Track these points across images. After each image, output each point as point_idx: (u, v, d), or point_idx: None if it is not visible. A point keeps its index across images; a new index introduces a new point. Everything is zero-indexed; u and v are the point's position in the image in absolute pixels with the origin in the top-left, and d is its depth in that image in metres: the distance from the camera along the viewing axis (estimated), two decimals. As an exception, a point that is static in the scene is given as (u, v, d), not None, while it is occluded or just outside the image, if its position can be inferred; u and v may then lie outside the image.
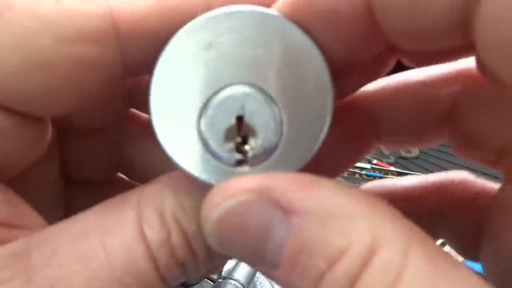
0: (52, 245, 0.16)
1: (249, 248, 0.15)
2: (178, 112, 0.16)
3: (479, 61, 0.15)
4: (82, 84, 0.16)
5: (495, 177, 0.24)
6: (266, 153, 0.16)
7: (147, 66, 0.16)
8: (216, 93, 0.16)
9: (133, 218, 0.16)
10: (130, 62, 0.17)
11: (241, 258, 0.15)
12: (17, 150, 0.17)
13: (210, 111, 0.16)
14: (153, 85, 0.16)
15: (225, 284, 0.53)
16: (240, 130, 0.16)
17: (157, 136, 0.16)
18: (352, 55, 0.17)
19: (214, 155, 0.16)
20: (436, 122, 0.22)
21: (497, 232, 0.19)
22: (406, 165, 0.71)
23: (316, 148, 0.16)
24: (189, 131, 0.16)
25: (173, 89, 0.16)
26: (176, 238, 0.16)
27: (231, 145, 0.16)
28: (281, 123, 0.16)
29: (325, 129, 0.16)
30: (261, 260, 0.14)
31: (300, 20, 0.16)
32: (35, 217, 0.17)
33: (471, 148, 0.22)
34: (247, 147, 0.16)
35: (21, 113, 0.16)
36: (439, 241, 0.26)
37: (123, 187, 0.26)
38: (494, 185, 0.22)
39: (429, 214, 0.23)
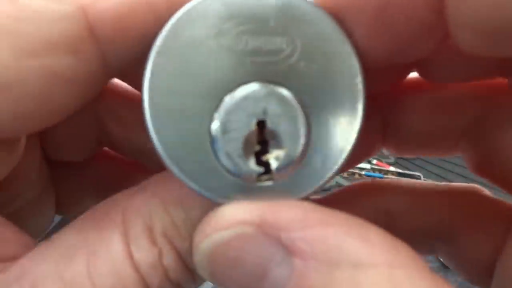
0: (32, 277, 0.14)
1: (244, 286, 0.13)
2: (182, 115, 0.13)
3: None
4: (57, 101, 0.14)
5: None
6: (291, 165, 0.13)
7: (136, 65, 0.13)
8: (230, 92, 0.13)
9: (119, 236, 0.14)
10: (113, 65, 0.14)
11: None
12: None
13: (224, 115, 0.13)
14: (147, 84, 0.13)
15: None
16: (261, 138, 0.13)
17: (157, 146, 0.13)
18: (401, 54, 0.14)
19: (229, 168, 0.13)
20: (454, 133, 0.20)
21: None
22: (406, 166, 0.71)
23: (344, 158, 0.13)
24: (198, 139, 0.13)
25: (175, 89, 0.13)
26: (168, 258, 0.14)
27: (250, 156, 0.13)
28: (309, 129, 0.13)
29: (355, 136, 0.13)
30: None
31: (351, 4, 0.13)
32: (18, 240, 0.15)
33: (490, 167, 0.20)
34: (269, 158, 0.13)
35: None
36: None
37: (109, 162, 0.24)
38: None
39: (436, 227, 0.21)
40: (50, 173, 0.21)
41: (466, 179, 0.67)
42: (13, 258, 0.14)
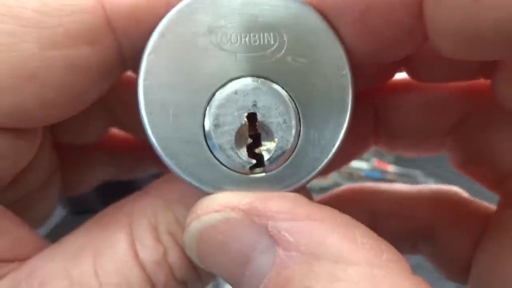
0: (40, 275, 0.14)
1: (228, 270, 0.13)
2: (176, 111, 0.13)
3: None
4: (77, 90, 0.14)
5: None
6: (283, 155, 0.13)
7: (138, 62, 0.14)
8: (221, 87, 0.13)
9: (125, 236, 0.15)
10: (128, 58, 0.15)
11: (222, 278, 0.14)
12: (8, 165, 0.15)
13: (215, 109, 0.13)
14: (142, 83, 0.13)
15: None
16: (253, 130, 0.13)
17: (152, 141, 0.13)
18: (384, 54, 0.15)
19: (222, 160, 0.13)
20: (441, 131, 0.21)
21: (490, 257, 0.19)
22: (405, 165, 0.71)
23: (335, 149, 0.14)
24: (192, 133, 0.13)
25: (168, 84, 0.13)
26: (173, 255, 0.15)
27: (242, 147, 0.13)
28: (299, 120, 0.13)
29: (345, 126, 0.14)
30: (238, 285, 0.13)
31: (335, 5, 0.13)
32: (32, 242, 0.16)
33: (473, 165, 0.21)
34: (261, 150, 0.14)
35: (13, 129, 0.14)
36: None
37: (116, 142, 0.25)
38: (488, 206, 0.22)
39: (418, 227, 0.22)
40: (57, 156, 0.21)
41: (466, 177, 0.67)
42: (26, 257, 0.15)
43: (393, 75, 0.20)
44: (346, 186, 0.24)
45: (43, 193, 0.20)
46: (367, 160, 0.70)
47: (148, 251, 0.15)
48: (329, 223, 0.12)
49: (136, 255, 0.14)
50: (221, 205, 0.13)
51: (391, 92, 0.21)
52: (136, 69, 0.18)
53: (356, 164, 0.68)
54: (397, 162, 0.70)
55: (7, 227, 0.15)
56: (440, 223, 0.22)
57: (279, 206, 0.12)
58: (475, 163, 0.20)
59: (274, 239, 0.12)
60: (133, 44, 0.14)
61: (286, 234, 0.12)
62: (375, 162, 0.70)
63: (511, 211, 0.18)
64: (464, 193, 0.22)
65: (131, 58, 0.15)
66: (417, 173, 0.67)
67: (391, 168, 0.68)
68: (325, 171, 0.20)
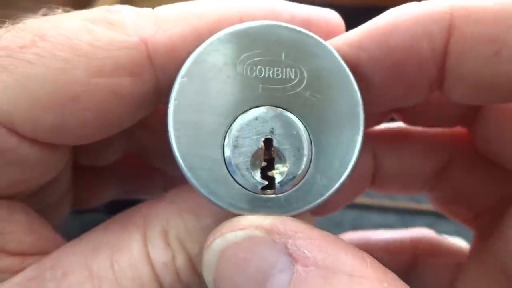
0: (63, 266, 0.15)
1: None
2: (200, 130, 0.14)
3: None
4: (115, 115, 0.16)
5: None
6: (294, 180, 0.15)
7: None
8: (243, 113, 0.15)
9: (139, 237, 0.16)
10: (163, 89, 0.16)
11: None
12: (39, 175, 0.16)
13: (236, 132, 0.14)
14: (173, 102, 0.14)
15: None
16: (268, 154, 0.15)
17: (176, 155, 0.14)
18: (405, 99, 0.16)
19: (237, 179, 0.15)
20: (426, 175, 0.23)
21: (470, 283, 0.20)
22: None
23: (344, 177, 0.15)
24: (212, 152, 0.14)
25: (196, 106, 0.14)
26: (180, 260, 0.16)
27: (257, 169, 0.15)
28: (311, 149, 0.15)
29: (355, 158, 0.15)
30: None
31: (365, 52, 0.15)
32: (53, 239, 0.17)
33: (451, 205, 0.23)
34: (274, 173, 0.15)
35: (48, 144, 0.16)
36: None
37: (131, 165, 0.26)
38: (462, 244, 0.23)
39: (405, 267, 0.25)
40: (73, 176, 0.23)
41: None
42: (47, 252, 0.16)
43: (386, 119, 0.21)
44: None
45: (57, 208, 0.22)
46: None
47: (158, 253, 0.16)
48: (341, 244, 0.13)
49: (148, 255, 0.16)
50: (245, 223, 0.14)
51: (390, 137, 0.23)
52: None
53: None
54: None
55: (34, 225, 0.17)
56: (421, 261, 0.24)
57: (297, 227, 0.13)
58: (453, 203, 0.23)
59: (292, 257, 0.13)
60: (168, 78, 0.16)
61: (305, 251, 0.13)
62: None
63: (483, 243, 0.20)
64: (435, 234, 0.25)
65: (166, 91, 0.16)
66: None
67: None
68: (322, 212, 0.21)
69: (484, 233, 0.21)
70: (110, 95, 0.15)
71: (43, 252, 0.17)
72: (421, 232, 0.26)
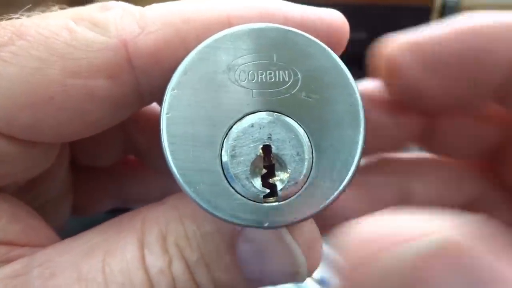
0: (52, 265, 0.15)
1: None
2: (195, 142, 0.14)
3: None
4: (91, 117, 0.15)
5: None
6: (296, 186, 0.14)
7: (162, 97, 0.15)
8: (238, 121, 0.14)
9: (135, 241, 0.15)
10: (146, 94, 0.16)
11: None
12: (22, 169, 0.17)
13: (233, 141, 0.14)
14: (165, 116, 0.14)
15: None
16: (267, 161, 0.14)
17: (173, 170, 0.14)
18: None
19: (237, 188, 0.14)
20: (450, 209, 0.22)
21: None
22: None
23: (348, 179, 0.14)
24: (210, 163, 0.14)
25: (189, 118, 0.14)
26: (177, 267, 0.15)
27: (257, 177, 0.14)
28: (312, 151, 0.14)
29: (357, 159, 0.14)
30: None
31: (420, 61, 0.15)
32: (44, 232, 0.17)
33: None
34: (275, 180, 0.14)
35: (25, 141, 0.15)
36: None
37: (130, 169, 0.26)
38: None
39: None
40: (72, 177, 0.22)
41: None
42: (39, 246, 0.16)
43: (399, 146, 0.21)
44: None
45: (57, 207, 0.21)
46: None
47: (155, 258, 0.15)
48: None
49: (143, 260, 0.15)
50: (408, 234, 0.12)
51: (417, 167, 0.22)
52: (154, 103, 0.19)
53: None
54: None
55: (19, 214, 0.17)
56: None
57: (477, 236, 0.11)
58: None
59: (485, 281, 0.11)
60: (151, 82, 0.15)
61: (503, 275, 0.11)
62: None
63: None
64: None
65: (149, 94, 0.16)
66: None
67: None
68: (327, 228, 0.20)
69: None
70: (86, 96, 0.15)
71: (32, 244, 0.16)
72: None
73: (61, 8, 0.16)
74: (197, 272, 0.16)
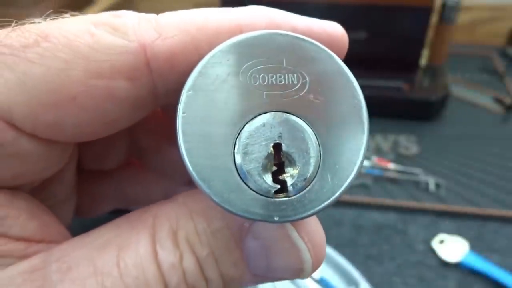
0: (69, 260, 0.16)
1: None
2: (210, 142, 0.15)
3: None
4: (110, 116, 0.16)
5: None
6: (305, 182, 0.15)
7: (177, 98, 0.15)
8: (250, 120, 0.15)
9: (148, 236, 0.16)
10: (161, 96, 0.17)
11: None
12: (40, 169, 0.17)
13: (245, 139, 0.15)
14: (181, 115, 0.15)
15: None
16: (278, 159, 0.15)
17: (188, 168, 0.14)
18: None
19: (250, 184, 0.15)
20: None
21: None
22: (405, 163, 0.71)
23: (354, 174, 0.15)
24: (223, 161, 0.15)
25: (203, 118, 0.15)
26: (188, 262, 0.16)
27: (268, 174, 0.15)
28: (319, 150, 0.15)
29: (362, 154, 0.15)
30: None
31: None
32: (57, 229, 0.18)
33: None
34: (285, 176, 0.15)
35: (47, 140, 0.16)
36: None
37: (134, 173, 0.27)
38: None
39: None
40: (76, 179, 0.24)
41: (465, 176, 0.67)
42: (54, 242, 0.17)
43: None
44: None
45: (62, 210, 0.22)
46: (368, 158, 0.71)
47: (166, 253, 0.16)
48: None
49: (155, 254, 0.16)
50: None
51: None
52: (166, 106, 0.19)
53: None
54: (397, 160, 0.71)
55: (35, 212, 0.17)
56: None
57: None
58: None
59: None
60: (166, 85, 0.16)
61: None
62: (375, 160, 0.70)
63: None
64: None
65: (164, 97, 0.17)
66: (417, 171, 0.68)
67: (391, 165, 0.69)
68: None
69: None
70: (107, 97, 0.15)
71: (47, 240, 0.17)
72: None
73: (73, 15, 0.16)
74: (207, 267, 0.16)
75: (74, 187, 0.23)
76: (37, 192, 0.19)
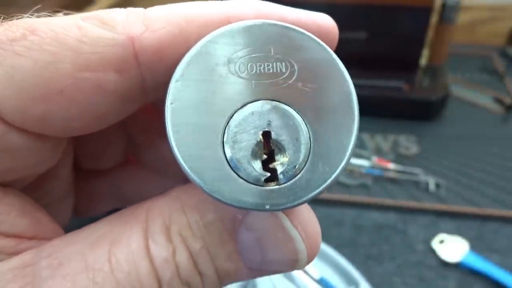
0: (60, 256, 0.16)
1: None
2: (199, 132, 0.14)
3: None
4: (100, 110, 0.16)
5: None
6: (295, 169, 0.15)
7: (165, 90, 0.15)
8: (239, 109, 0.15)
9: (140, 231, 0.16)
10: (150, 89, 0.17)
11: None
12: (31, 164, 0.17)
13: (234, 128, 0.15)
14: (169, 106, 0.15)
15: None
16: (267, 147, 0.15)
17: (178, 158, 0.14)
18: None
19: (240, 173, 0.15)
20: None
21: None
22: (405, 163, 0.71)
23: (345, 162, 0.15)
24: (212, 150, 0.15)
25: (192, 108, 0.15)
26: (181, 256, 0.16)
27: (258, 162, 0.15)
28: (309, 137, 0.15)
29: (353, 141, 0.15)
30: None
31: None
32: (50, 226, 0.18)
33: None
34: (276, 164, 0.15)
35: (37, 134, 0.16)
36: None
37: (131, 171, 0.27)
38: None
39: None
40: (74, 178, 0.23)
41: (465, 176, 0.67)
42: (46, 239, 0.17)
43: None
44: None
45: (58, 209, 0.22)
46: (368, 158, 0.71)
47: (159, 248, 0.16)
48: None
49: (147, 249, 0.16)
50: None
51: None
52: (157, 102, 0.19)
53: (357, 161, 0.69)
54: (397, 160, 0.71)
55: (27, 208, 0.17)
56: None
57: None
58: None
59: None
60: (155, 78, 0.16)
61: None
62: (376, 160, 0.70)
63: None
64: None
65: (153, 90, 0.17)
66: (417, 171, 0.68)
67: (391, 165, 0.69)
68: None
69: None
70: (96, 90, 0.15)
71: (39, 237, 0.17)
72: None
73: (66, 14, 0.16)
74: (200, 261, 0.16)
75: (71, 185, 0.23)
76: (32, 190, 0.19)
